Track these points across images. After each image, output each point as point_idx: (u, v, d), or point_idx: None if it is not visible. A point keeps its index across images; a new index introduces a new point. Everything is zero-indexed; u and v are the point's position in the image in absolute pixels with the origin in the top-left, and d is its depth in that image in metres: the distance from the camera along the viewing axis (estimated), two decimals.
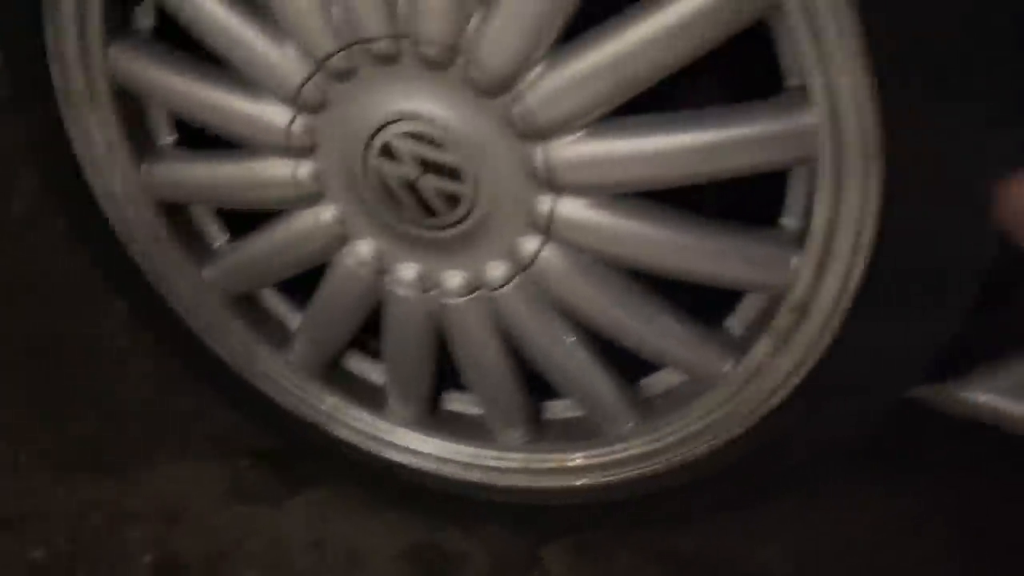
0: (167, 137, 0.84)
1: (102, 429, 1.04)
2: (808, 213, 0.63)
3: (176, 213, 0.86)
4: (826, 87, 0.56)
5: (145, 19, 0.77)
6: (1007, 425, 0.71)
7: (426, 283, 0.77)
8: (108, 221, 0.87)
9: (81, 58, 0.77)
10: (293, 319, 0.91)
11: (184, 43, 0.75)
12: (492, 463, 0.89)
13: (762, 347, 0.71)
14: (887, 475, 1.04)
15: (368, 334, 0.90)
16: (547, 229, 0.69)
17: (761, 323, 0.71)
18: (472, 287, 0.76)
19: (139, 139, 0.82)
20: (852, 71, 0.55)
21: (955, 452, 0.99)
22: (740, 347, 0.73)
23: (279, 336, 0.91)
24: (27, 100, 0.83)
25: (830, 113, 0.57)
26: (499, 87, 0.64)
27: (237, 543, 0.96)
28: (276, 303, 0.92)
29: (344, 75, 0.68)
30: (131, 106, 0.81)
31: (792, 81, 0.60)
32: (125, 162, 0.82)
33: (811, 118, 0.58)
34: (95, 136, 0.82)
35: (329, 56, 0.67)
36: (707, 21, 0.57)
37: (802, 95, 0.59)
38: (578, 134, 0.64)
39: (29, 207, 1.21)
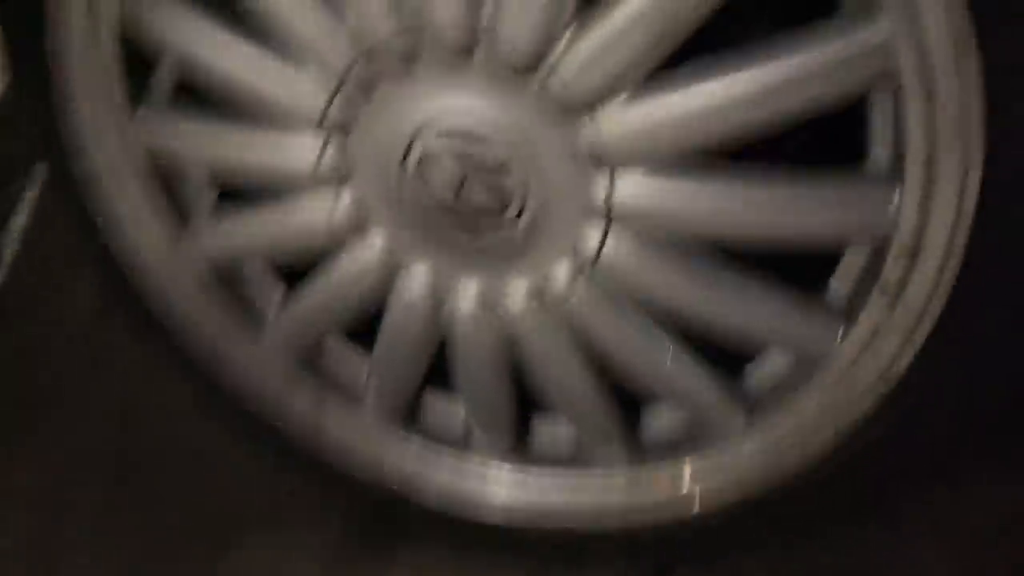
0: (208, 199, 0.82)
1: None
2: (899, 137, 0.56)
3: (228, 280, 0.84)
4: None
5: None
6: None
7: (489, 299, 0.72)
8: (146, 289, 0.85)
9: None
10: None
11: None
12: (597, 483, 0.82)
13: (874, 308, 0.63)
14: None
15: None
16: (608, 212, 0.64)
17: (868, 281, 0.63)
18: (539, 294, 0.70)
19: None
20: None
21: None
22: (848, 312, 0.65)
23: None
24: None
25: (907, 16, 0.50)
26: (529, 63, 0.59)
27: None
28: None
29: (368, 86, 0.64)
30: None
31: None
32: (160, 234, 0.81)
33: (884, 27, 0.52)
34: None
35: (350, 67, 0.63)
36: None
37: (867, 5, 0.52)
38: (622, 98, 0.59)
39: None
